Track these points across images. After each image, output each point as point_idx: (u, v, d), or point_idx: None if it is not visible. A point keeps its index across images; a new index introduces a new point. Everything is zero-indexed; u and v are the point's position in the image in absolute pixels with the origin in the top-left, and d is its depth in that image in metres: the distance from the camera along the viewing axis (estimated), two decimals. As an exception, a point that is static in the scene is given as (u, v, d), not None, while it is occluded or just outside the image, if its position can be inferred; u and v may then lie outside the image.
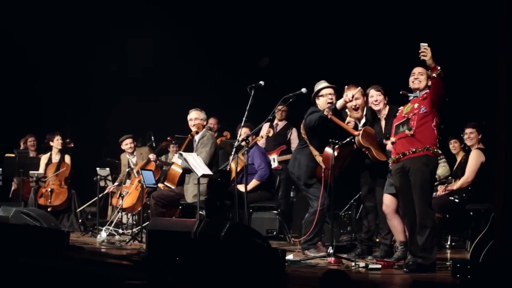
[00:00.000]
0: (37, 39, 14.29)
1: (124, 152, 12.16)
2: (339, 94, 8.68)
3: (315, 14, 13.19)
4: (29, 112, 14.30)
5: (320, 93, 8.84)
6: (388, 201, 8.27)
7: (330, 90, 8.77)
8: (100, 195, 11.54)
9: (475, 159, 9.58)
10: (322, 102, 8.78)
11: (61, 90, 14.58)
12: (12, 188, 12.34)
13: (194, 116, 9.79)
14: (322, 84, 8.87)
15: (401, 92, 7.84)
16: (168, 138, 11.97)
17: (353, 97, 8.36)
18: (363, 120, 8.70)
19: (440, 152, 7.79)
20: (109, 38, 14.35)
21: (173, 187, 9.88)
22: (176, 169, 9.95)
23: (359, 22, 12.78)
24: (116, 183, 11.72)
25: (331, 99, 8.71)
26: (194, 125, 9.76)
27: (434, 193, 9.78)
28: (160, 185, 10.13)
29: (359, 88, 8.44)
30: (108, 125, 14.20)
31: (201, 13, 14.11)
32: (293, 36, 13.41)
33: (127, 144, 12.04)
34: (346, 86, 8.45)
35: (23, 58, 14.35)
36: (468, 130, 9.74)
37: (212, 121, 11.65)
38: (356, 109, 8.62)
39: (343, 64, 12.40)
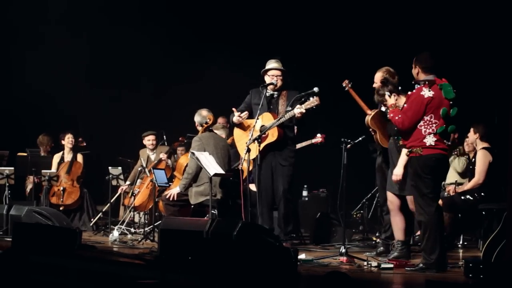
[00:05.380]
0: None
1: (144, 148, 12.15)
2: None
3: (326, 12, 13.19)
4: (42, 111, 14.29)
5: (268, 73, 9.32)
6: (391, 198, 8.30)
7: (275, 72, 9.28)
8: (113, 199, 11.54)
9: (482, 159, 9.56)
10: (266, 79, 9.32)
11: (75, 88, 14.59)
12: (29, 187, 12.34)
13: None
14: (271, 64, 9.34)
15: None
16: (180, 139, 11.96)
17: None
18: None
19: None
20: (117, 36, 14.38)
21: (180, 177, 9.90)
22: (183, 160, 10.10)
23: (368, 18, 12.79)
24: (128, 182, 11.72)
25: (276, 80, 9.23)
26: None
27: (445, 193, 9.79)
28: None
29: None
30: (121, 123, 14.20)
31: (213, 10, 14.13)
32: (305, 34, 13.40)
33: (149, 140, 12.04)
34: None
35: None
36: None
37: (221, 120, 11.66)
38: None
39: (354, 61, 12.40)
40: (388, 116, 7.77)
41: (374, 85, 8.79)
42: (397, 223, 8.35)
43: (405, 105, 7.59)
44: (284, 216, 9.18)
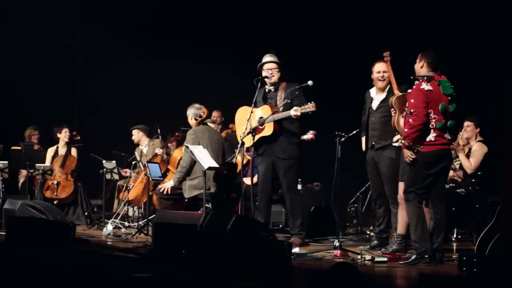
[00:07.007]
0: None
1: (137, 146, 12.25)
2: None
3: (319, 4, 13.17)
4: (35, 104, 14.25)
5: (263, 67, 9.27)
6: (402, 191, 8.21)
7: (269, 66, 9.21)
8: (121, 182, 11.58)
9: (480, 151, 9.60)
10: (264, 74, 9.23)
11: (68, 82, 14.55)
12: (21, 181, 12.34)
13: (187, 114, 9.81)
14: (266, 58, 9.29)
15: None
16: (177, 134, 11.93)
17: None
18: (384, 95, 8.73)
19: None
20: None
21: (174, 171, 9.89)
22: (177, 154, 10.09)
23: (363, 11, 12.77)
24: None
25: (271, 73, 9.16)
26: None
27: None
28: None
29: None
30: (116, 117, 14.18)
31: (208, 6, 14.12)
32: (299, 28, 13.38)
33: (133, 134, 12.17)
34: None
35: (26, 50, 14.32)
36: (465, 123, 9.79)
37: (215, 114, 11.64)
38: (382, 80, 8.69)
39: (349, 55, 12.39)
40: (403, 141, 7.64)
41: (372, 76, 8.78)
42: (403, 217, 8.25)
43: (412, 101, 7.51)
44: (291, 211, 9.13)
